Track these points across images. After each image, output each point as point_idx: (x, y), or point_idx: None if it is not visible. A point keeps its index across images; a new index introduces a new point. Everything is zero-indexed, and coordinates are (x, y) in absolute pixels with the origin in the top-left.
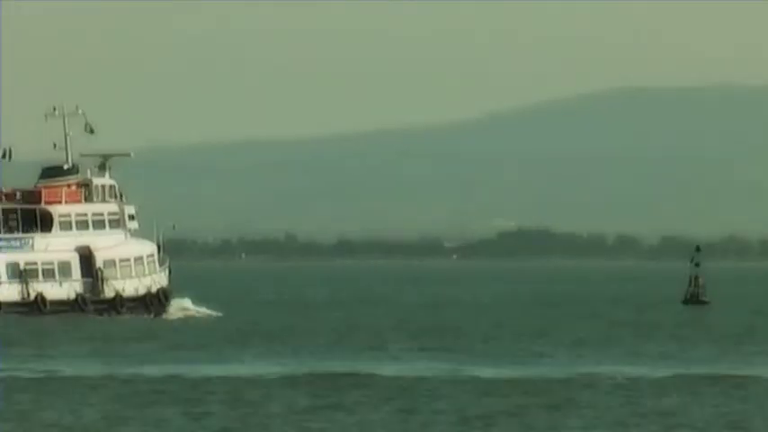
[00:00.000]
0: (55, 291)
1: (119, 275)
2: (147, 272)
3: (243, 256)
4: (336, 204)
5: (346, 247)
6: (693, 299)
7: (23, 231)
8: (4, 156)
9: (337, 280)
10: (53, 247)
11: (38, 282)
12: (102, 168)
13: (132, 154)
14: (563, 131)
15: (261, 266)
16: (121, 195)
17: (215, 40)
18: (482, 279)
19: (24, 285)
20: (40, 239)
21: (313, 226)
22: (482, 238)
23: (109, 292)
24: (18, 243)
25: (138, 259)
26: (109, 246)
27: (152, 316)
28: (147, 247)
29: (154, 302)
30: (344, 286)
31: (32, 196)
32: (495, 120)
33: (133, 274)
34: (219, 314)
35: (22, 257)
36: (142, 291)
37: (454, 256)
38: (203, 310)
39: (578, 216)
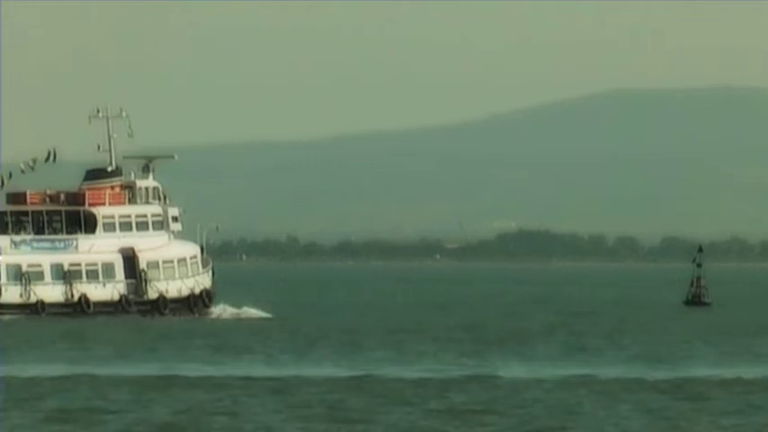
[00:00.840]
0: (99, 292)
1: (162, 277)
2: (190, 273)
3: (243, 257)
4: (337, 206)
5: (347, 249)
6: (695, 300)
7: (68, 233)
8: (48, 158)
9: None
10: (97, 248)
11: (82, 283)
12: (145, 170)
13: (176, 156)
14: (564, 133)
15: (263, 267)
16: (165, 197)
17: (218, 42)
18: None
19: (68, 286)
20: (83, 241)
21: (314, 227)
22: (482, 240)
23: (152, 294)
24: (62, 244)
25: (182, 260)
26: (152, 247)
27: (195, 317)
28: (191, 249)
29: (197, 304)
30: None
31: (77, 198)
32: (495, 121)
33: (176, 275)
34: (269, 315)
35: (66, 259)
36: (185, 292)
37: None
38: (252, 312)
39: (579, 217)
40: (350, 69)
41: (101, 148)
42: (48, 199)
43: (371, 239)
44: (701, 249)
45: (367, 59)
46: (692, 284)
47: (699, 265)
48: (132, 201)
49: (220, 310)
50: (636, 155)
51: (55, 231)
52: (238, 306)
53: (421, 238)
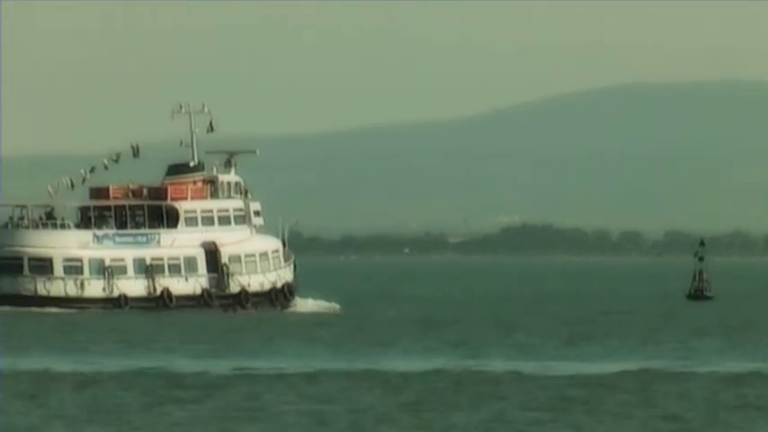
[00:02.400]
0: (181, 286)
1: (244, 271)
2: (272, 267)
3: None
4: (341, 200)
5: (351, 243)
6: (698, 294)
7: (150, 227)
8: (131, 153)
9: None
10: (179, 242)
11: (164, 277)
12: (227, 165)
13: (258, 151)
14: (567, 128)
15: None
16: (247, 192)
17: (219, 37)
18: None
19: (151, 280)
20: (166, 235)
21: (317, 222)
22: (486, 234)
23: (234, 288)
24: (144, 239)
25: (263, 255)
26: (234, 241)
27: (278, 310)
28: (272, 243)
29: (279, 297)
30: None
31: (159, 193)
32: (499, 116)
33: (258, 269)
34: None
35: (148, 253)
36: (267, 286)
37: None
38: (327, 305)
39: (582, 212)
40: (353, 65)
41: (183, 144)
42: (130, 194)
43: (375, 234)
44: (702, 243)
45: (370, 55)
46: (694, 278)
47: (701, 259)
48: (214, 195)
49: (302, 304)
50: (640, 150)
51: (137, 226)
52: (318, 300)
53: (425, 233)
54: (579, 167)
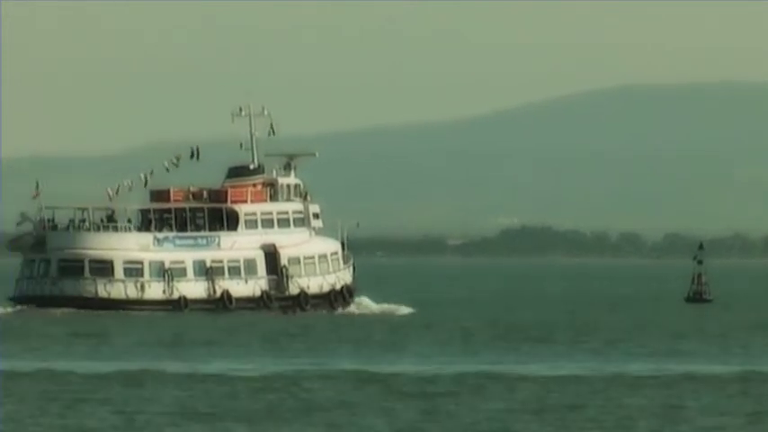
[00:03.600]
0: (240, 288)
1: (303, 273)
2: (331, 269)
3: None
4: (340, 201)
5: (351, 244)
6: (697, 296)
7: (210, 230)
8: (192, 156)
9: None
10: (239, 245)
11: (224, 279)
12: (287, 168)
13: (317, 154)
14: (567, 129)
15: None
16: (306, 194)
17: (221, 38)
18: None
19: (211, 282)
20: (226, 238)
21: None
22: (485, 236)
23: (293, 289)
24: (205, 241)
25: (323, 257)
26: (293, 244)
27: (337, 312)
28: (331, 245)
29: (338, 299)
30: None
31: (219, 195)
32: (499, 117)
33: (317, 271)
34: (412, 311)
35: (208, 255)
36: (326, 288)
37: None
38: (392, 307)
39: (581, 214)
40: (353, 66)
41: (243, 146)
42: (191, 196)
43: (374, 235)
44: (701, 246)
45: (371, 56)
46: (693, 281)
47: (700, 262)
48: (274, 198)
49: (361, 306)
50: (639, 151)
51: (198, 228)
52: (379, 301)
53: (424, 235)
54: (579, 169)
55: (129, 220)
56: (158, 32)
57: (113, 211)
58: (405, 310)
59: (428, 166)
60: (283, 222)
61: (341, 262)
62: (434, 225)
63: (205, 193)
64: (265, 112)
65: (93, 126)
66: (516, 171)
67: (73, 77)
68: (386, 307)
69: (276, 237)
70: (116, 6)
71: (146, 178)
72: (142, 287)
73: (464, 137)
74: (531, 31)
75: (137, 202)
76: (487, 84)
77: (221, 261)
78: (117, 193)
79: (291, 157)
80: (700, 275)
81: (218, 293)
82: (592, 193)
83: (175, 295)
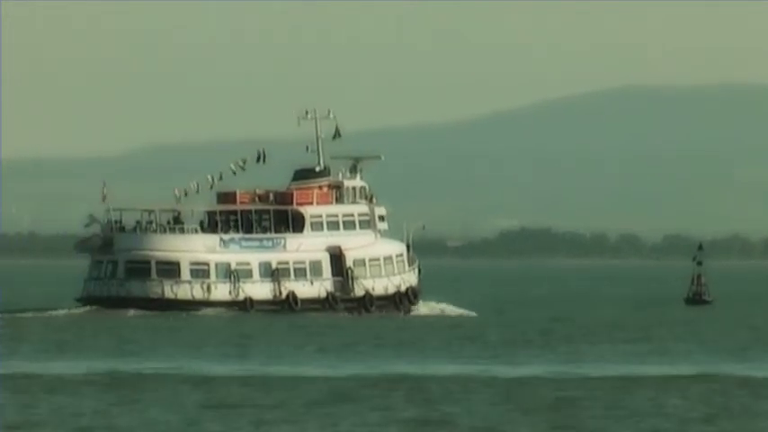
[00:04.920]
0: (306, 289)
1: (368, 275)
2: (396, 271)
3: None
4: None
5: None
6: (696, 298)
7: (276, 232)
8: (258, 159)
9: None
10: (304, 247)
11: (289, 281)
12: (353, 170)
13: (383, 157)
14: (566, 130)
15: None
16: (372, 197)
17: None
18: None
19: (276, 284)
20: (291, 239)
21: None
22: (484, 238)
23: (359, 291)
24: (270, 243)
25: (388, 259)
26: (359, 246)
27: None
28: (397, 247)
29: (403, 301)
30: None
31: (285, 198)
32: (498, 119)
33: (383, 273)
34: (473, 314)
35: (274, 257)
36: (391, 290)
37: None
38: (456, 309)
39: (580, 215)
40: (353, 67)
41: (309, 149)
42: (257, 198)
43: None
44: (701, 247)
45: (370, 57)
46: (692, 282)
47: (699, 263)
48: (339, 200)
49: (426, 308)
50: (639, 152)
51: (264, 230)
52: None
53: (423, 236)
54: (578, 170)
55: (202, 223)
56: (159, 32)
57: (180, 213)
58: (467, 312)
59: (427, 167)
60: (349, 224)
61: (406, 264)
62: (433, 226)
63: (271, 196)
64: (331, 116)
65: (93, 127)
66: (516, 172)
67: (72, 78)
68: (448, 309)
69: (342, 239)
70: (117, 7)
71: (212, 180)
72: (208, 288)
73: (463, 138)
74: (530, 31)
75: (203, 204)
76: (487, 84)
77: (287, 263)
78: (184, 195)
79: (357, 159)
80: (699, 277)
81: (284, 295)
82: (591, 195)
83: (241, 296)
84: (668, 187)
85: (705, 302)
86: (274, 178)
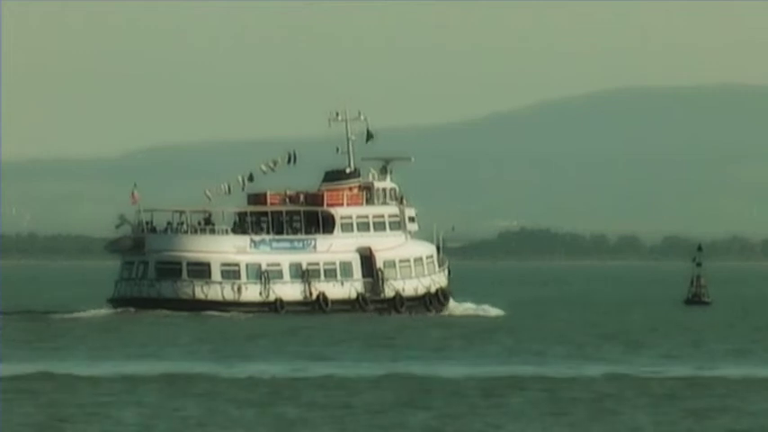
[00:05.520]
0: (336, 290)
1: (398, 276)
2: (426, 272)
3: None
4: None
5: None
6: (695, 299)
7: (306, 233)
8: (289, 160)
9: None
10: (335, 248)
11: (320, 281)
12: (383, 172)
13: (413, 159)
14: (565, 132)
15: None
16: (402, 198)
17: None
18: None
19: (307, 285)
20: (322, 240)
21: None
22: (484, 239)
23: (389, 292)
24: (301, 244)
25: (418, 260)
26: (389, 247)
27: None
28: (427, 249)
29: (433, 302)
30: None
31: (315, 199)
32: (497, 120)
33: (413, 274)
34: (503, 313)
35: (304, 258)
36: (422, 291)
37: None
38: (487, 309)
39: (580, 216)
40: (352, 68)
41: (339, 151)
42: (287, 200)
43: None
44: (700, 248)
45: (370, 59)
46: (692, 283)
47: (699, 264)
48: (370, 201)
49: (457, 308)
50: (638, 153)
51: (294, 231)
52: (476, 304)
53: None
54: (578, 171)
55: (234, 224)
56: (166, 32)
57: (210, 214)
58: (495, 311)
59: (427, 169)
60: (379, 226)
61: (436, 265)
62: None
63: (302, 197)
64: (361, 117)
65: (93, 128)
66: (515, 173)
67: (72, 79)
68: (478, 309)
69: (372, 240)
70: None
71: (243, 181)
72: (239, 289)
73: (463, 139)
74: (530, 33)
75: (234, 204)
76: (486, 86)
77: (317, 264)
78: (215, 196)
79: (387, 161)
80: (699, 278)
81: (314, 296)
82: (591, 196)
83: (272, 297)
84: (668, 188)
85: (704, 303)
86: (300, 178)
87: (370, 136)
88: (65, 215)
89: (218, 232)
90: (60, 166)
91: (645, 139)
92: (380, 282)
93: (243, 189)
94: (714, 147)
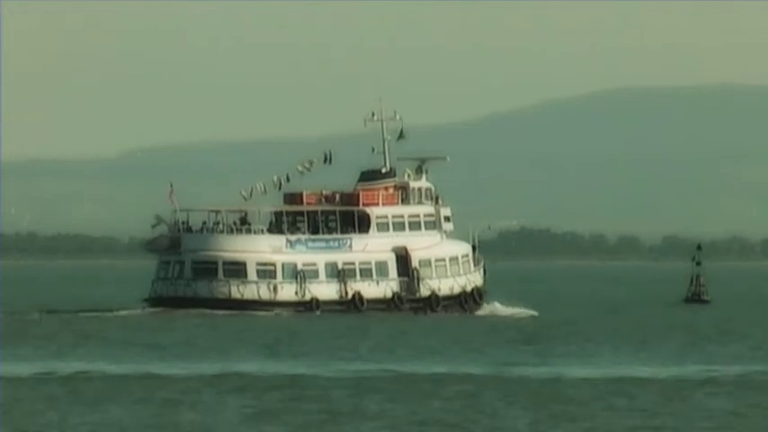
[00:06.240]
0: (372, 289)
1: (434, 275)
2: (461, 271)
3: None
4: None
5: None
6: (695, 298)
7: (342, 232)
8: (325, 160)
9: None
10: (370, 247)
11: (355, 281)
12: (418, 172)
13: (448, 158)
14: (564, 132)
15: None
16: (437, 198)
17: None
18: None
19: (342, 284)
20: (357, 240)
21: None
22: (483, 239)
23: (424, 291)
24: (336, 244)
25: (453, 259)
26: (424, 246)
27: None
28: (462, 248)
29: (468, 301)
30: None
31: (351, 198)
32: (497, 120)
33: (448, 273)
34: (535, 313)
35: (340, 257)
36: (457, 290)
37: None
38: (518, 310)
39: (580, 216)
40: (352, 68)
41: (375, 151)
42: (323, 199)
43: None
44: (699, 248)
45: (369, 58)
46: (691, 282)
47: (698, 264)
48: (405, 201)
49: (492, 308)
50: (637, 153)
51: (330, 231)
52: (509, 304)
53: None
54: (577, 171)
55: (271, 224)
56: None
57: (246, 214)
58: (529, 312)
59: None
60: (414, 225)
61: (471, 264)
62: None
63: (337, 197)
64: (397, 117)
65: (92, 128)
66: (515, 174)
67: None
68: (513, 310)
69: (407, 239)
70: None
71: (279, 181)
72: (275, 289)
73: (462, 139)
74: (530, 33)
75: (270, 204)
76: (486, 86)
77: (353, 263)
78: (250, 195)
79: (423, 160)
80: (698, 277)
81: (350, 295)
82: (590, 196)
83: (307, 297)
84: (667, 188)
85: (704, 302)
86: (341, 180)
87: (401, 136)
88: (65, 215)
89: (255, 232)
90: (60, 166)
91: (645, 139)
92: (416, 281)
93: (279, 189)
94: (714, 147)
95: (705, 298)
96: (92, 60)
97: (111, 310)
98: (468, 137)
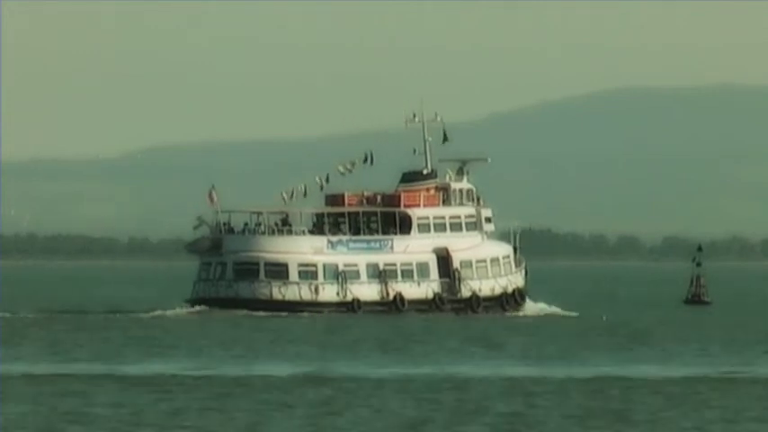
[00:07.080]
0: (413, 290)
1: (475, 276)
2: (502, 272)
3: None
4: None
5: None
6: (695, 298)
7: (383, 233)
8: (365, 161)
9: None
10: (412, 248)
11: (396, 282)
12: (459, 173)
13: (489, 159)
14: (564, 132)
15: None
16: (479, 199)
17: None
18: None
19: (384, 285)
20: (399, 241)
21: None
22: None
23: (465, 292)
24: (378, 245)
25: (494, 260)
26: (466, 247)
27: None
28: (503, 249)
29: (510, 302)
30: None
31: (392, 200)
32: (497, 120)
33: (489, 274)
34: (575, 314)
35: (381, 258)
36: (498, 291)
37: None
38: (557, 310)
39: (580, 216)
40: (351, 68)
41: (416, 152)
42: (365, 200)
43: None
44: (700, 248)
45: (369, 59)
46: (691, 283)
47: (698, 264)
48: (446, 202)
49: (533, 309)
50: (637, 154)
51: (371, 232)
52: (549, 305)
53: None
54: (577, 171)
55: (313, 225)
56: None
57: (287, 215)
58: (569, 313)
59: None
60: (455, 226)
61: (513, 265)
62: None
63: (379, 198)
64: (438, 118)
65: (92, 128)
66: (515, 174)
67: (72, 79)
68: (552, 310)
69: (448, 240)
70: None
71: (321, 182)
72: (316, 289)
73: (462, 140)
74: (530, 33)
75: (311, 206)
76: (486, 86)
77: (394, 264)
78: (292, 197)
79: (464, 162)
80: (698, 278)
81: (391, 296)
82: (590, 196)
83: (349, 297)
84: (667, 188)
85: (704, 303)
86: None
87: (445, 138)
88: (65, 215)
89: (296, 233)
90: (60, 166)
91: (645, 139)
92: (457, 282)
93: (321, 190)
94: (714, 147)
95: (705, 299)
96: (92, 60)
97: (156, 310)
98: (469, 137)
